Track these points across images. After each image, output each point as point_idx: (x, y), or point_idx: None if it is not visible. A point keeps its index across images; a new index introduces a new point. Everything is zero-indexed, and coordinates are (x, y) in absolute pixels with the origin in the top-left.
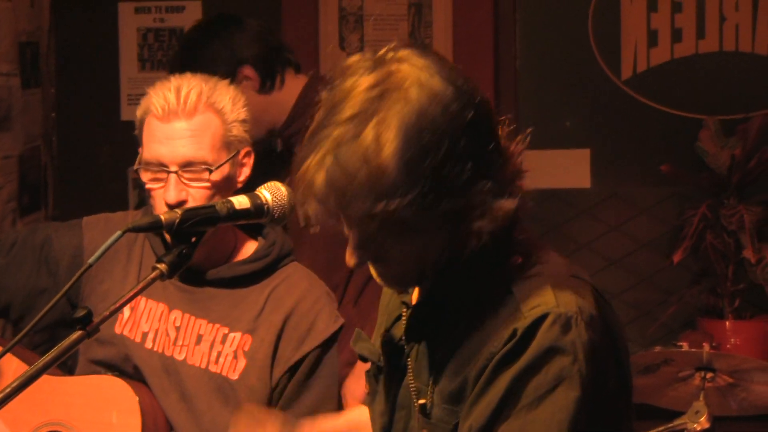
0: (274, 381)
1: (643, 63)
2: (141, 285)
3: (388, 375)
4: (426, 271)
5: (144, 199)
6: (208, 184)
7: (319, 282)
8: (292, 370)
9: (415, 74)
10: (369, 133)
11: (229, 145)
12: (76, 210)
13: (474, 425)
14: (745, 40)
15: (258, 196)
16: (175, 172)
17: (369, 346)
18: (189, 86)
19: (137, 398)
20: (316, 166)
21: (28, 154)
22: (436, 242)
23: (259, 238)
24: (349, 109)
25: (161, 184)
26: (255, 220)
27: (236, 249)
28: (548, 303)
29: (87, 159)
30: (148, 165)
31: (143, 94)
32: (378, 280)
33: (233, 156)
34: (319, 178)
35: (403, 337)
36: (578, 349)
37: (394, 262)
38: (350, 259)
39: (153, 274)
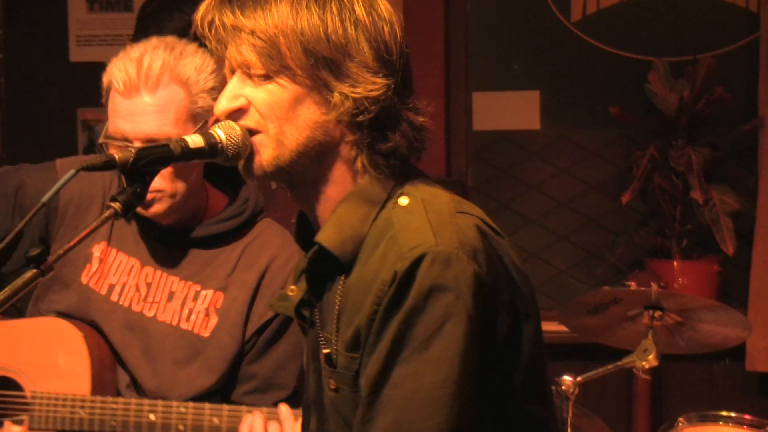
0: (246, 338)
1: (592, 5)
2: (95, 224)
3: (303, 329)
4: (285, 141)
5: (93, 140)
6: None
7: (291, 238)
8: (263, 327)
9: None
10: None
11: (195, 117)
12: (25, 152)
13: (371, 374)
14: None
15: (212, 135)
16: None
17: (287, 304)
18: (152, 57)
19: (84, 338)
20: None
21: None
22: (307, 107)
23: (231, 193)
24: None
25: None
26: (209, 159)
27: (208, 205)
28: (427, 242)
29: (36, 100)
30: (113, 139)
31: (92, 36)
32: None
33: (200, 128)
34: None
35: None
36: (461, 284)
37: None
38: (221, 103)
39: (107, 213)
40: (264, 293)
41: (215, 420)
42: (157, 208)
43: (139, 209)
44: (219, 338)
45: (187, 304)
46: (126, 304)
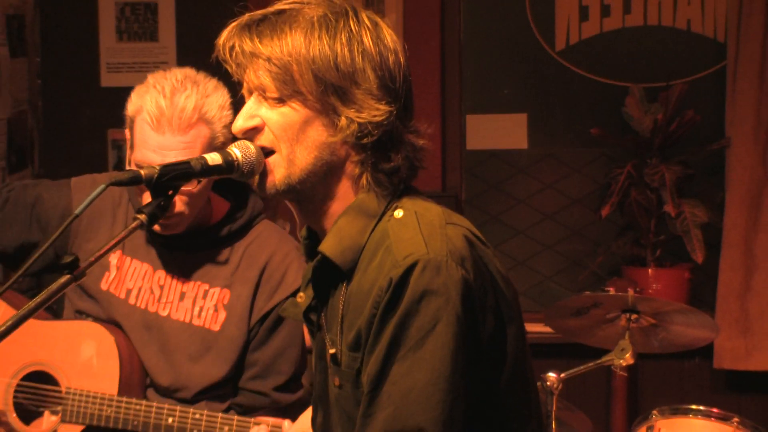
0: (249, 328)
1: (575, 36)
2: (123, 233)
3: (311, 332)
4: (296, 160)
5: (122, 158)
6: (195, 190)
7: (288, 237)
8: (264, 317)
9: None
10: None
11: (215, 149)
12: (59, 168)
13: (371, 372)
14: (667, 15)
15: (229, 153)
16: None
17: (297, 310)
18: (184, 96)
19: (115, 342)
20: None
21: (15, 117)
22: (316, 129)
23: (231, 198)
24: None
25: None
26: (226, 175)
27: (212, 211)
28: (419, 251)
29: (69, 122)
30: (140, 168)
31: (122, 63)
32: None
33: None
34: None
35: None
36: (450, 289)
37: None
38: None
39: (134, 224)
40: (264, 288)
41: (225, 428)
42: (175, 230)
43: (156, 228)
44: (228, 331)
45: (198, 302)
46: (143, 306)
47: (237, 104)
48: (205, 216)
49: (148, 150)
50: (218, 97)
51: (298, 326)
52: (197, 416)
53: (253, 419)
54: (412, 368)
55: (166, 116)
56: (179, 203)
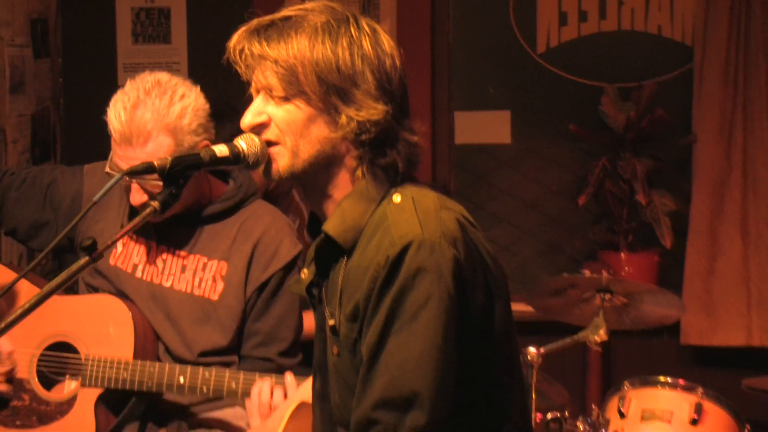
0: (246, 298)
1: (555, 39)
2: (137, 219)
3: (312, 305)
4: (299, 152)
5: None
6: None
7: (280, 215)
8: (261, 288)
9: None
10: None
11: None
12: (79, 160)
13: (370, 343)
14: (639, 21)
15: (236, 146)
16: (135, 182)
17: (300, 285)
18: (144, 108)
19: (131, 313)
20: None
21: (39, 113)
22: (318, 126)
23: (230, 180)
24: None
25: (127, 185)
26: (233, 166)
27: (211, 192)
28: (414, 232)
29: (89, 118)
30: (115, 170)
31: (137, 63)
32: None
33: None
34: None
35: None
36: (443, 267)
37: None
38: (247, 118)
39: (147, 210)
40: (258, 260)
41: (233, 384)
42: (167, 213)
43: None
44: (226, 300)
45: (198, 274)
46: (148, 279)
47: (245, 102)
48: (203, 195)
49: (117, 158)
50: (184, 102)
51: (295, 300)
52: (206, 374)
53: (258, 374)
54: (407, 339)
55: (126, 132)
56: (136, 196)
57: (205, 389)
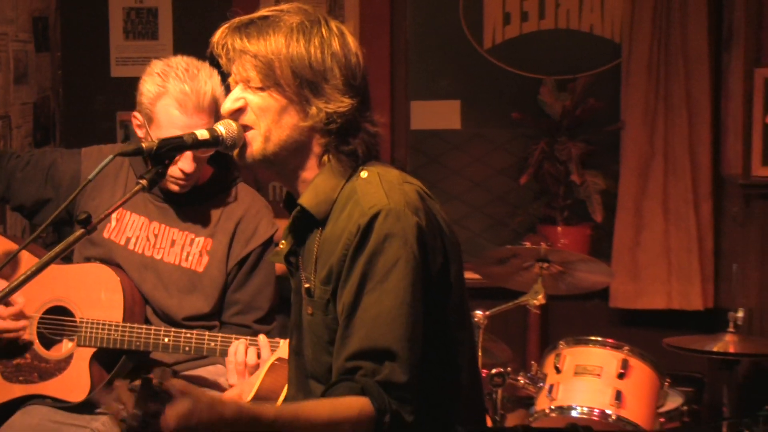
0: (228, 271)
1: (499, 37)
2: (128, 195)
3: (290, 272)
4: (271, 137)
5: (128, 135)
6: (204, 155)
7: (260, 197)
8: (241, 262)
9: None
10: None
11: None
12: (77, 144)
13: (345, 302)
14: (574, 20)
15: (215, 130)
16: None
17: (279, 255)
18: (202, 82)
19: (120, 280)
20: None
21: (40, 102)
22: (290, 115)
23: (215, 165)
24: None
25: (177, 157)
26: (212, 147)
27: (201, 175)
28: (382, 202)
29: (85, 106)
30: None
31: (128, 57)
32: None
33: None
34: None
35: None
36: (408, 232)
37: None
38: (227, 104)
39: (137, 187)
40: (239, 237)
41: (212, 344)
42: (185, 188)
43: (173, 187)
44: (210, 272)
45: (185, 248)
46: (140, 251)
47: (226, 90)
48: (193, 184)
49: (176, 129)
50: (220, 85)
51: (272, 269)
52: (188, 335)
53: (234, 335)
54: (380, 297)
55: (193, 102)
56: (191, 164)
57: (187, 348)
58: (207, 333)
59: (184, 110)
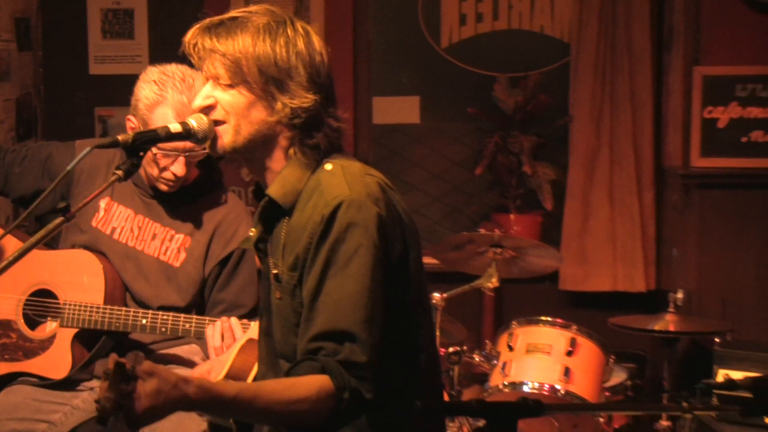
0: (206, 271)
1: (456, 36)
2: (104, 186)
3: (260, 258)
4: (240, 130)
5: (106, 130)
6: (196, 159)
7: (240, 202)
8: (223, 263)
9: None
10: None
11: None
12: (56, 138)
13: (310, 288)
14: (525, 21)
15: (187, 123)
16: (185, 156)
17: (249, 242)
18: (195, 91)
19: (102, 266)
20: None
21: (22, 98)
22: (258, 110)
23: (201, 168)
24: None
25: (170, 160)
26: (185, 140)
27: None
28: (344, 193)
29: (65, 102)
30: (163, 149)
31: (105, 56)
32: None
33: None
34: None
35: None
36: (369, 222)
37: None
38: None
39: (113, 178)
40: (218, 239)
41: (187, 325)
42: (174, 188)
43: (162, 187)
44: (186, 268)
45: (165, 243)
46: (123, 241)
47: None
48: (182, 185)
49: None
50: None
51: (253, 268)
52: (165, 317)
53: (208, 318)
54: (342, 282)
55: (189, 111)
56: (183, 168)
57: (163, 329)
58: (182, 315)
59: (181, 119)
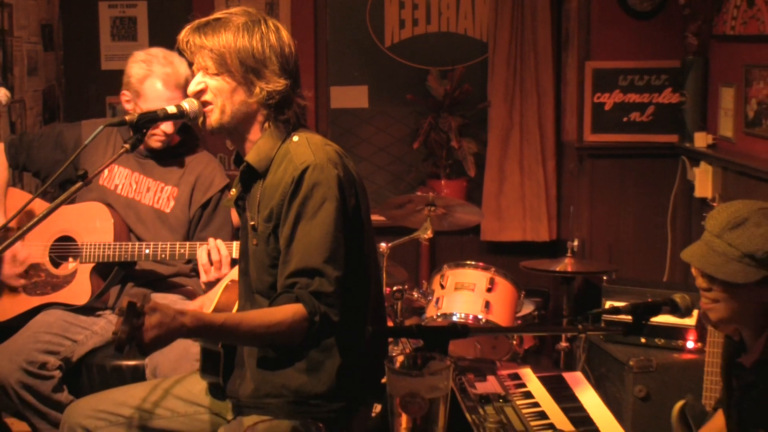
0: (191, 214)
1: (397, 37)
2: (115, 156)
3: (239, 213)
4: (225, 110)
5: (115, 114)
6: (178, 125)
7: (215, 159)
8: (204, 206)
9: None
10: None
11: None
12: (76, 120)
13: (285, 235)
14: (452, 25)
15: (181, 106)
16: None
17: (230, 201)
18: (178, 64)
19: (110, 212)
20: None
21: (47, 89)
22: (239, 94)
23: (182, 133)
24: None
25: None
26: (179, 119)
27: (173, 140)
28: (309, 159)
29: (81, 92)
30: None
31: (114, 54)
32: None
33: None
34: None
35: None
36: (330, 181)
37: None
38: (191, 87)
39: (122, 150)
40: (198, 187)
41: (182, 250)
42: (164, 144)
43: (155, 143)
44: (175, 213)
45: (157, 194)
46: (125, 195)
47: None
48: (170, 142)
49: (161, 101)
50: (184, 62)
51: (228, 213)
52: (164, 246)
53: (199, 242)
54: (310, 230)
55: (173, 80)
56: (171, 129)
57: (163, 256)
58: (177, 243)
59: (167, 86)
